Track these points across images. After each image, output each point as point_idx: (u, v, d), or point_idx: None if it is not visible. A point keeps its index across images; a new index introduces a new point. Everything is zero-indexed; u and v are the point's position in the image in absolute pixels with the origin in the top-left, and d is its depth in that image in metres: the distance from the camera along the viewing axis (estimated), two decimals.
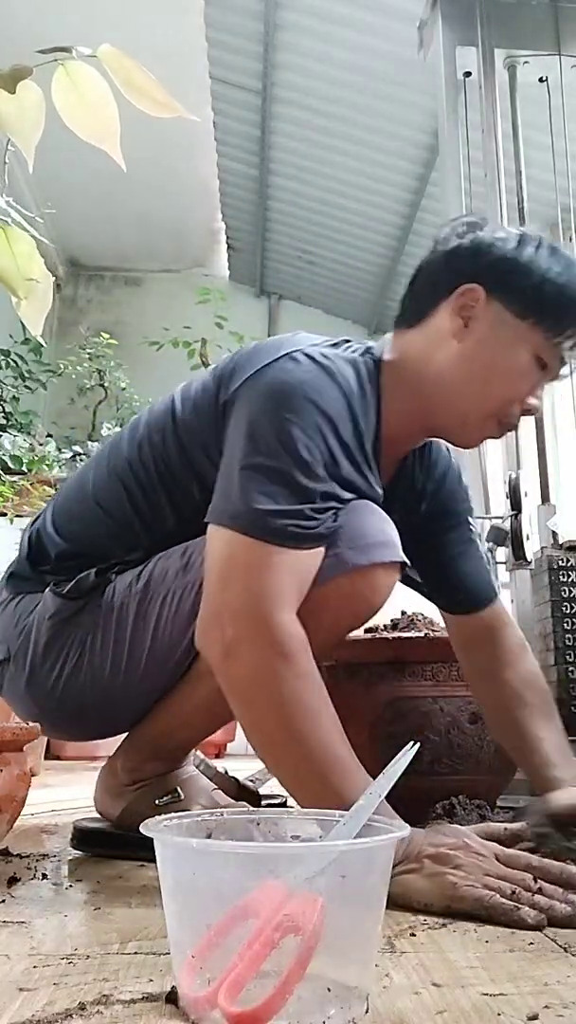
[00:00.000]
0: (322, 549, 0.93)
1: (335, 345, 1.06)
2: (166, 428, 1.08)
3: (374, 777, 0.67)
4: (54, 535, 1.15)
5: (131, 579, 1.06)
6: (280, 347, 1.00)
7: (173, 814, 0.61)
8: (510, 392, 1.04)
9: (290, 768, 0.88)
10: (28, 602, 1.12)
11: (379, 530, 0.98)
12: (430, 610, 1.51)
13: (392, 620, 1.51)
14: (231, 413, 0.99)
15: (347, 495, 0.96)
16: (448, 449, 1.23)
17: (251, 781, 1.47)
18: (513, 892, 0.75)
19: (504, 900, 0.74)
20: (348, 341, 1.09)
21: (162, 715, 1.07)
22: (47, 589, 1.09)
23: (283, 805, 1.38)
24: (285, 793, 1.60)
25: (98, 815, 1.13)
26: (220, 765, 1.36)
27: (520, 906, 0.73)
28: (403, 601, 1.52)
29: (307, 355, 0.98)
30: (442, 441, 1.19)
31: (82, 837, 1.08)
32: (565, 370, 1.08)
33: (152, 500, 1.08)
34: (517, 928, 0.72)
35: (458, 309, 1.03)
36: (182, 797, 1.06)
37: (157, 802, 1.04)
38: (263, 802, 1.32)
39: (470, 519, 1.24)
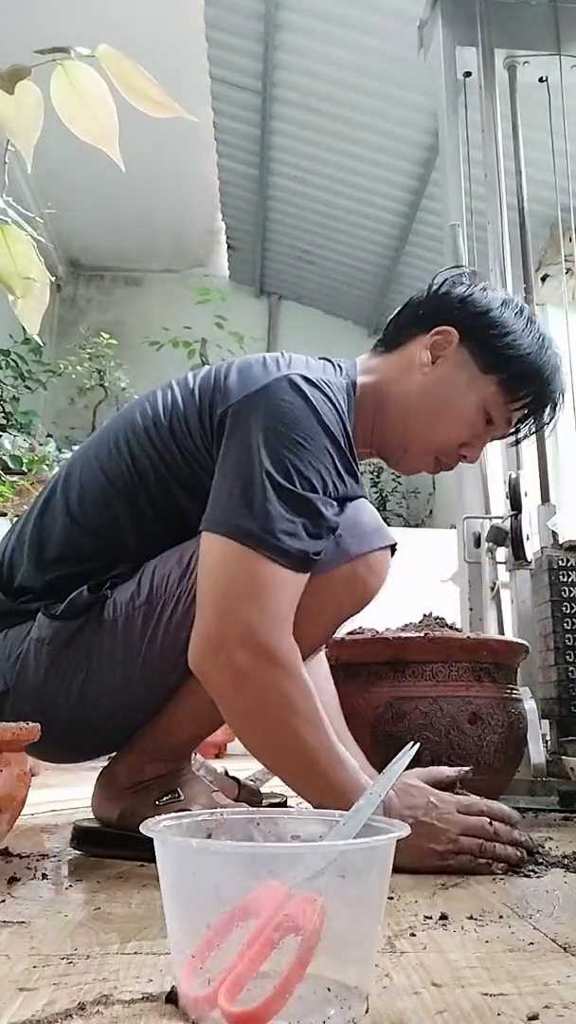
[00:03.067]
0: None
1: (323, 368, 1.10)
2: (146, 442, 1.07)
3: (374, 777, 0.67)
4: (32, 562, 1.11)
5: (131, 591, 1.05)
6: (277, 367, 1.03)
7: (173, 814, 0.61)
8: (452, 434, 1.13)
9: (302, 775, 0.95)
10: (17, 632, 1.08)
11: (372, 517, 1.06)
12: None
13: (422, 618, 1.50)
14: (232, 424, 0.99)
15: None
16: None
17: (251, 781, 1.47)
18: (481, 847, 0.93)
19: (480, 861, 0.93)
20: (327, 361, 1.14)
21: (163, 716, 1.06)
22: (39, 614, 1.06)
23: (283, 804, 1.39)
24: (286, 792, 1.61)
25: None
26: (220, 765, 1.36)
27: (491, 862, 0.94)
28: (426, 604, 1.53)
29: (306, 379, 1.00)
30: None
31: (82, 837, 1.08)
32: (511, 432, 1.18)
33: (137, 510, 1.08)
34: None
35: (431, 345, 1.12)
36: (182, 797, 1.05)
37: (157, 803, 1.04)
38: (264, 801, 1.32)
39: None
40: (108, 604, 1.05)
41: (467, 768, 1.04)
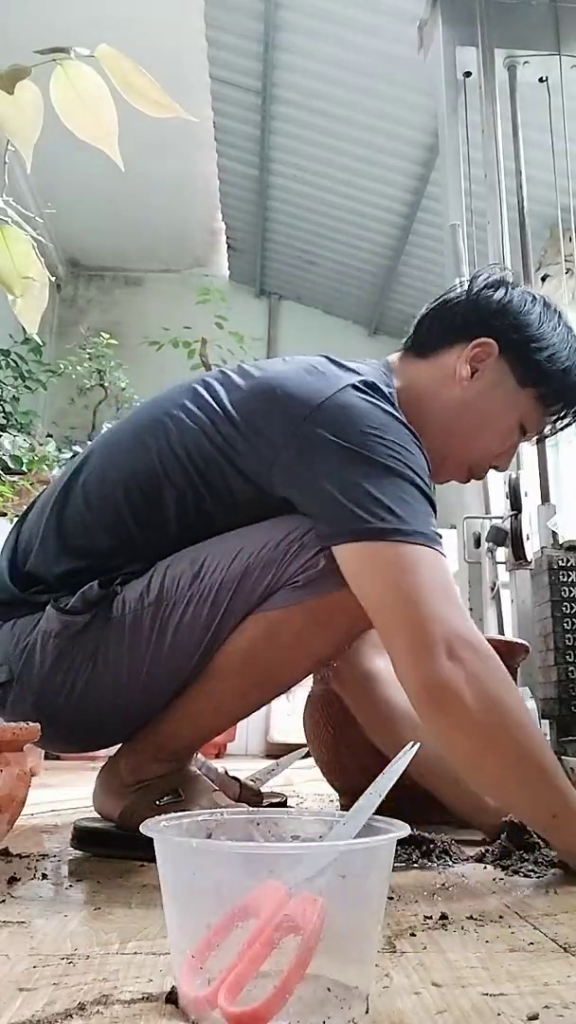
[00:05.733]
0: None
1: (362, 374, 1.06)
2: (177, 443, 1.05)
3: (374, 778, 0.67)
4: (47, 551, 1.10)
5: (141, 590, 1.04)
6: (329, 378, 1.01)
7: (173, 814, 0.61)
8: (491, 448, 1.14)
9: (540, 780, 0.88)
10: (26, 623, 1.08)
11: None
12: None
13: None
14: (303, 450, 0.96)
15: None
16: None
17: (252, 781, 1.47)
18: None
19: None
20: (361, 364, 1.11)
21: (169, 716, 1.06)
22: (48, 606, 1.05)
23: (283, 804, 1.39)
24: (286, 792, 1.61)
25: (98, 815, 1.13)
26: (220, 765, 1.36)
27: None
28: None
29: (367, 384, 1.00)
30: None
31: (82, 837, 1.08)
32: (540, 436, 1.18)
33: (155, 508, 1.06)
34: None
35: (470, 358, 1.10)
36: (183, 797, 1.05)
37: (158, 802, 1.04)
38: (264, 801, 1.32)
39: None
40: (117, 601, 1.04)
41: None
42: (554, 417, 1.14)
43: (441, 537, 0.93)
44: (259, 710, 1.11)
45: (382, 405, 0.98)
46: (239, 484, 1.02)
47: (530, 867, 0.96)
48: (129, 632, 1.03)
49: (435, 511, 0.94)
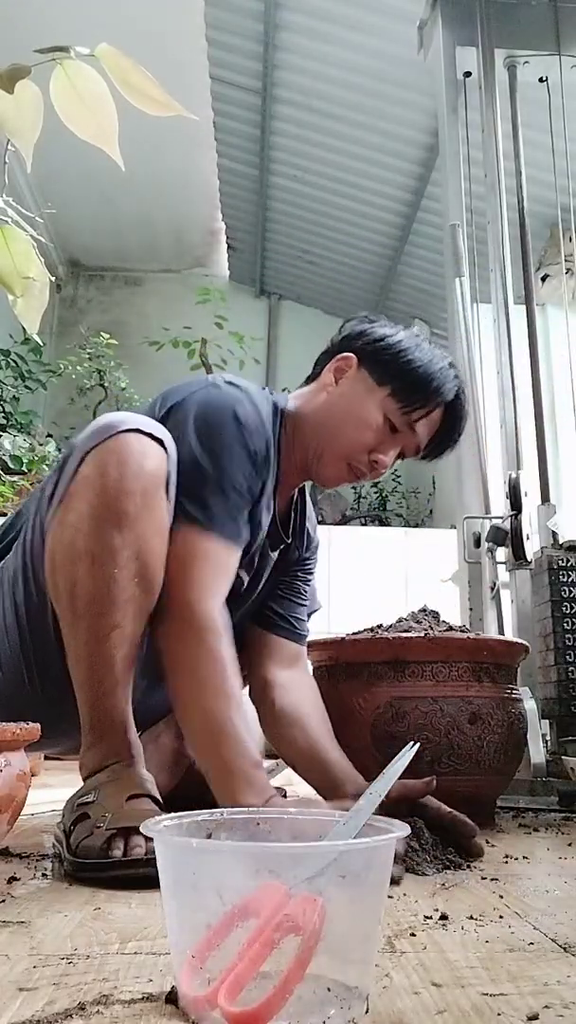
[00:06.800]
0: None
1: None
2: None
3: (374, 777, 0.67)
4: None
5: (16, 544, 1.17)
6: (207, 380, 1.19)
7: (173, 814, 0.60)
8: (358, 438, 1.25)
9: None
10: None
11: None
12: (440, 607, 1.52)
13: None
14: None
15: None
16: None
17: None
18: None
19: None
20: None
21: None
22: None
23: (283, 796, 1.40)
24: (285, 786, 1.61)
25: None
26: None
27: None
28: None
29: (228, 381, 1.18)
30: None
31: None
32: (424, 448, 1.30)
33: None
34: None
35: (334, 370, 1.29)
36: (93, 801, 0.97)
37: (77, 802, 0.98)
38: None
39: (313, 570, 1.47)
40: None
41: (431, 778, 1.10)
42: (417, 415, 1.25)
43: None
44: (117, 644, 1.01)
45: (229, 393, 1.16)
46: None
47: (427, 865, 0.98)
48: (9, 587, 1.14)
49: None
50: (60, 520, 1.02)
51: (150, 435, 1.02)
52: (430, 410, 1.26)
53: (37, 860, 1.01)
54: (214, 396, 1.14)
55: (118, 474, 0.99)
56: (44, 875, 0.93)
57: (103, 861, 0.88)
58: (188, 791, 0.99)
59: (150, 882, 0.76)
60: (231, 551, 1.08)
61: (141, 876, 0.84)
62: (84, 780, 1.01)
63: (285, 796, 1.39)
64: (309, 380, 1.35)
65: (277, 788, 1.44)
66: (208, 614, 1.02)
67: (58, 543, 1.02)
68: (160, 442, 1.03)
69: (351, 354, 1.28)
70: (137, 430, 1.01)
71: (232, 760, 0.96)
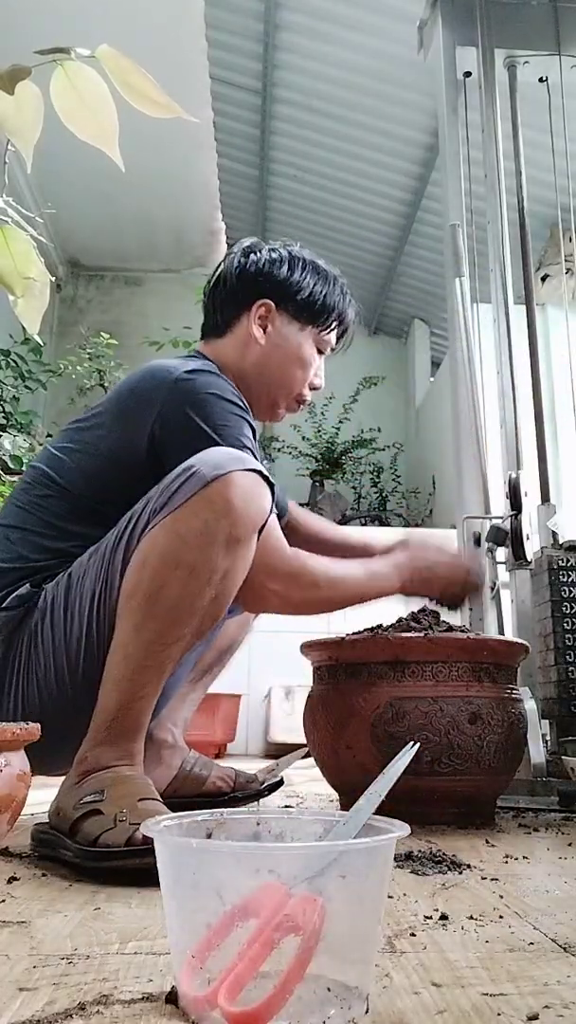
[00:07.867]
0: None
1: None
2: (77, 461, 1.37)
3: (373, 778, 0.67)
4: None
5: (59, 578, 1.16)
6: (168, 370, 1.25)
7: (173, 814, 0.60)
8: (303, 375, 1.43)
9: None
10: None
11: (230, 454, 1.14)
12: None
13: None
14: (166, 423, 1.20)
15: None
16: None
17: (253, 779, 1.49)
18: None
19: None
20: (188, 358, 1.37)
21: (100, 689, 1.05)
22: None
23: (279, 784, 1.52)
24: (286, 792, 1.62)
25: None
26: (221, 765, 1.38)
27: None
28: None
29: (194, 370, 1.25)
30: None
31: (40, 841, 1.04)
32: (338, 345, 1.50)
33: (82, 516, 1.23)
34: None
35: (257, 320, 1.39)
36: (103, 799, 0.97)
37: (80, 802, 0.98)
38: (263, 785, 1.45)
39: None
40: (42, 595, 1.15)
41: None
42: (332, 332, 1.45)
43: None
44: (174, 653, 1.04)
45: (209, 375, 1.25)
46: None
47: (428, 866, 0.98)
48: (51, 619, 1.13)
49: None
50: (166, 528, 1.04)
51: (267, 479, 1.11)
52: (344, 324, 1.45)
53: (37, 860, 1.01)
54: (200, 385, 1.21)
55: (243, 504, 1.05)
56: (44, 875, 0.93)
57: (135, 848, 0.88)
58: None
59: None
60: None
61: None
62: (81, 773, 1.01)
63: (282, 783, 1.53)
64: (216, 331, 1.42)
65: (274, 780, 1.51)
66: (296, 560, 1.23)
67: (155, 546, 1.04)
68: (272, 488, 1.12)
69: (267, 301, 1.38)
70: (259, 472, 1.09)
71: (372, 582, 1.34)
